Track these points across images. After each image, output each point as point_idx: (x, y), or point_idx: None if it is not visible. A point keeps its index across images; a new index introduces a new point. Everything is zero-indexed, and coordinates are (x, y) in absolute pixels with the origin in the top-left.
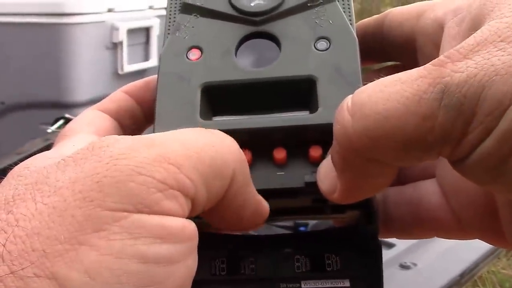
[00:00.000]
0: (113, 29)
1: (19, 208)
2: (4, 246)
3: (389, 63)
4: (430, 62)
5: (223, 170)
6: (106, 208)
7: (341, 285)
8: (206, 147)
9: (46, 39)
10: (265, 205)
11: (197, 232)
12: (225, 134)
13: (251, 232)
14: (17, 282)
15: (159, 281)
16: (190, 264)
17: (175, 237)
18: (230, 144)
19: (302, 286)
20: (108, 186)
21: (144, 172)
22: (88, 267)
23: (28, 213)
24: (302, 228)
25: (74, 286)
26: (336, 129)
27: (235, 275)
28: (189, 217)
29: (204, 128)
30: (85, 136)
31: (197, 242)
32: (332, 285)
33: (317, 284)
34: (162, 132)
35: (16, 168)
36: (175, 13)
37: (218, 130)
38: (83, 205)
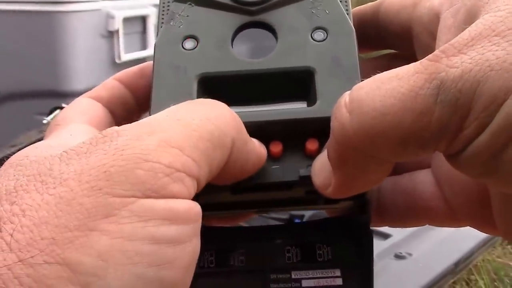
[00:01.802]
0: (109, 17)
1: (24, 199)
2: (11, 235)
3: (386, 51)
4: (426, 57)
5: (222, 141)
6: (114, 195)
7: (332, 274)
8: (202, 122)
9: (41, 27)
10: (263, 150)
11: (201, 213)
12: (217, 102)
13: (242, 224)
14: (26, 270)
15: (170, 261)
16: (195, 244)
17: (182, 218)
18: (224, 113)
19: (293, 276)
20: (116, 175)
21: (150, 159)
22: (100, 251)
23: (34, 203)
24: (297, 220)
25: (87, 270)
26: (334, 125)
27: (224, 267)
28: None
29: (196, 100)
30: (80, 126)
31: (201, 223)
32: (323, 275)
33: (307, 274)
34: (158, 114)
35: (14, 157)
36: (168, 2)
37: (209, 100)
38: (91, 194)
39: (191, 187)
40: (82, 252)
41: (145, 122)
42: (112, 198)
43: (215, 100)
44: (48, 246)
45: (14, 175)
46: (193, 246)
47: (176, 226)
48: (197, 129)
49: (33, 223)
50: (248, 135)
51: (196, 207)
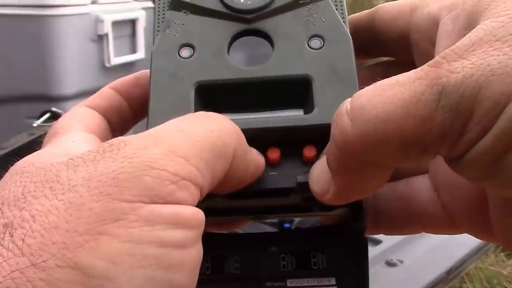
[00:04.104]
0: (98, 21)
1: (33, 205)
2: (23, 240)
3: (382, 59)
4: (426, 63)
5: (224, 151)
6: (123, 200)
7: (327, 283)
8: (206, 134)
9: (30, 31)
10: (262, 160)
11: (204, 218)
12: (218, 115)
13: (237, 231)
14: (39, 274)
15: (177, 264)
16: (199, 249)
17: (187, 223)
18: (226, 125)
19: (288, 284)
20: (124, 181)
21: (157, 166)
22: (110, 255)
23: (43, 209)
24: (287, 225)
25: (98, 273)
26: (335, 132)
27: (219, 274)
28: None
29: (198, 113)
30: (80, 133)
31: (203, 229)
32: (318, 283)
33: (302, 282)
34: (163, 125)
35: (19, 164)
36: (164, 10)
37: (210, 113)
38: (100, 199)
39: (195, 195)
40: (93, 255)
41: (151, 133)
42: (120, 203)
43: (216, 113)
44: (59, 250)
45: (21, 182)
46: (197, 250)
47: (181, 230)
48: (201, 140)
49: (43, 228)
50: (247, 145)
51: (200, 213)
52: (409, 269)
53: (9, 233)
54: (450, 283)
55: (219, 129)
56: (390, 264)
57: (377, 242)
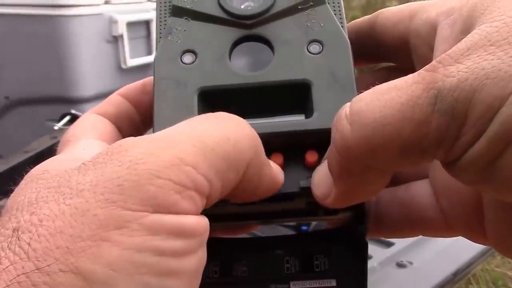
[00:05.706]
0: (112, 22)
1: (42, 209)
2: (29, 244)
3: (383, 64)
4: (423, 68)
5: (238, 162)
6: (127, 208)
7: (328, 284)
8: (221, 141)
9: (44, 32)
10: (280, 176)
11: (208, 226)
12: (239, 120)
13: (256, 233)
14: (43, 278)
15: (176, 272)
16: (201, 255)
17: (189, 233)
18: (244, 134)
19: (291, 286)
20: (128, 189)
21: (162, 176)
22: (111, 261)
23: (51, 213)
24: (304, 228)
25: (98, 279)
26: (335, 137)
27: (227, 277)
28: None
29: (217, 114)
30: (91, 141)
31: (208, 235)
32: (320, 285)
33: (305, 284)
34: (176, 127)
35: (34, 171)
36: (165, 16)
37: (231, 116)
38: (105, 206)
39: (200, 204)
40: (94, 261)
41: (162, 136)
42: (124, 211)
43: (236, 117)
44: (62, 255)
45: (36, 188)
46: (199, 257)
47: (183, 239)
48: (215, 147)
49: (49, 233)
50: (266, 158)
51: (203, 222)
52: (419, 271)
53: (17, 237)
54: (456, 284)
55: (235, 137)
56: (400, 265)
57: (390, 244)
